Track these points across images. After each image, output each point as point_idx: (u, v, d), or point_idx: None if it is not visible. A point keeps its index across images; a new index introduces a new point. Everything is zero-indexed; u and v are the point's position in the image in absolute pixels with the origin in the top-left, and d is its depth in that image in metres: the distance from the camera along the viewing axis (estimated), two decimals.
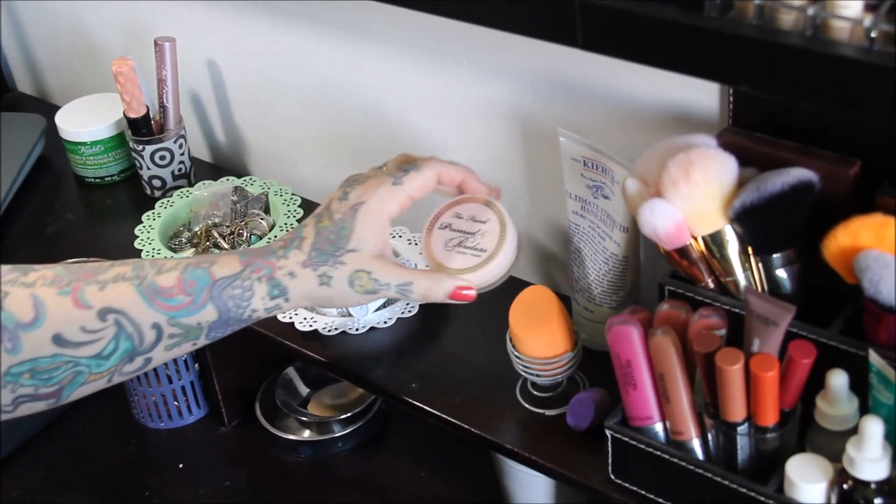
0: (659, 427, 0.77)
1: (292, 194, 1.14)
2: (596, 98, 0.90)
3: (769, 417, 0.71)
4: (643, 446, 0.76)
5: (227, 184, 1.17)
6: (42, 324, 0.73)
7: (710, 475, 0.73)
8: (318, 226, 0.81)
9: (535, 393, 0.90)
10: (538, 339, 0.85)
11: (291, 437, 1.15)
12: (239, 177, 1.19)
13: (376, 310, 0.99)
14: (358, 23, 1.03)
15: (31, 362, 0.73)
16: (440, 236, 0.84)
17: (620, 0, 0.66)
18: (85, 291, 0.75)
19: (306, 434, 1.16)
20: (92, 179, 1.23)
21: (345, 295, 0.80)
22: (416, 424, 1.15)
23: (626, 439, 0.77)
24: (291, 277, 0.80)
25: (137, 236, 1.11)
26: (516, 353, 0.87)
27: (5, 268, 0.74)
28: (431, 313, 0.99)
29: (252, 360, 1.18)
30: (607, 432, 0.79)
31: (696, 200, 0.74)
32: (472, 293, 0.81)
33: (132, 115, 1.15)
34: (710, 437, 0.75)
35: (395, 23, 1.00)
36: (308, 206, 1.13)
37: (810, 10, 0.59)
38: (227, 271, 0.79)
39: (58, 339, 0.73)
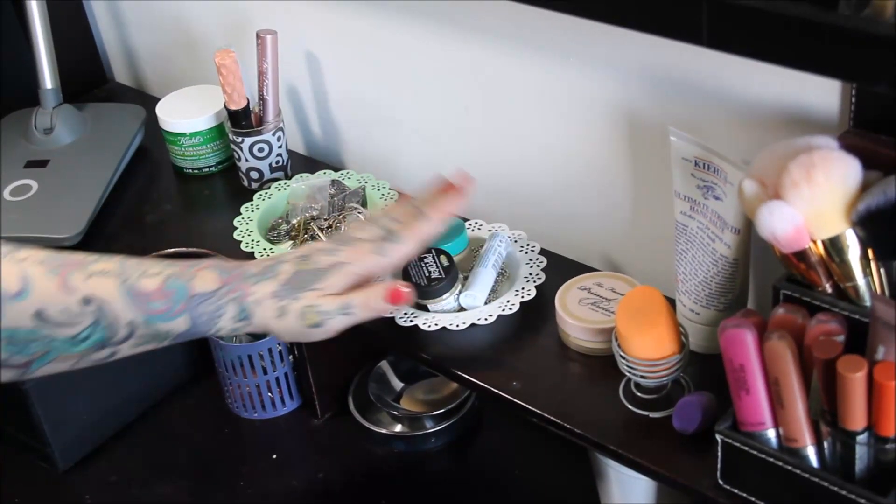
0: (771, 433, 0.76)
1: (389, 189, 1.14)
2: (707, 96, 0.88)
3: (891, 427, 0.69)
4: (755, 452, 0.75)
5: (324, 177, 1.17)
6: (27, 297, 0.78)
7: (826, 484, 0.72)
8: (299, 267, 0.87)
9: (639, 394, 0.89)
10: (645, 341, 0.84)
11: (383, 431, 1.15)
12: (335, 170, 1.19)
13: (485, 303, 0.98)
14: (460, 16, 1.03)
15: (9, 331, 0.78)
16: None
17: None
18: (72, 277, 0.80)
19: (398, 428, 1.16)
20: (190, 170, 1.24)
21: (293, 329, 0.86)
22: (509, 422, 1.14)
23: (737, 444, 0.76)
24: (257, 305, 0.85)
25: (236, 227, 1.12)
26: (622, 354, 0.86)
27: None
28: (532, 311, 0.98)
29: (346, 353, 1.18)
30: (717, 437, 0.77)
31: (818, 203, 0.73)
32: (408, 291, 0.88)
33: (232, 107, 1.16)
34: (825, 445, 0.73)
35: (499, 16, 0.99)
36: None
37: None
38: (205, 287, 0.84)
39: (39, 315, 0.78)
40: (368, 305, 0.87)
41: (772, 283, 0.79)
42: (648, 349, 0.84)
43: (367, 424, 1.16)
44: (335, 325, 0.87)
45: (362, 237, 0.90)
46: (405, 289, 0.88)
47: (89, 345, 0.81)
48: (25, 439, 1.15)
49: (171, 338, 0.85)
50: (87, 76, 1.44)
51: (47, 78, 1.24)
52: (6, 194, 1.19)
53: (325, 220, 1.12)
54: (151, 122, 1.28)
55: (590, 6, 0.73)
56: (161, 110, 1.24)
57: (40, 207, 1.17)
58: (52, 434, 1.13)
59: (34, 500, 1.16)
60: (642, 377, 0.86)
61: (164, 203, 1.22)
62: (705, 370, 0.89)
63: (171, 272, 0.84)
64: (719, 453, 0.78)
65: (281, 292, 0.85)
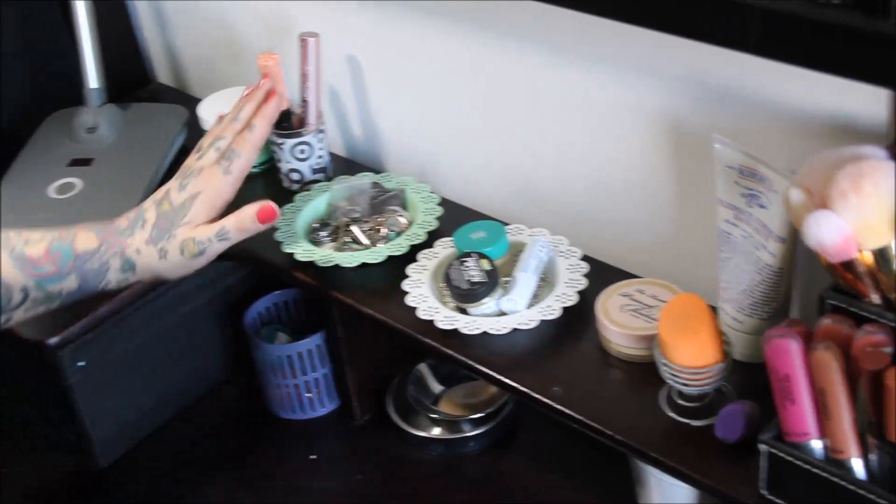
0: (816, 444, 0.75)
1: (430, 192, 1.14)
2: (752, 103, 0.88)
3: None
4: (800, 463, 0.75)
5: (364, 179, 1.17)
6: None
7: (873, 496, 0.71)
8: (159, 210, 0.97)
9: (680, 402, 0.88)
10: (688, 348, 0.84)
11: (422, 434, 1.16)
12: (375, 172, 1.19)
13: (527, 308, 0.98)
14: (503, 21, 1.03)
15: None
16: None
17: (796, 4, 0.64)
18: None
19: (436, 432, 1.16)
20: None
21: (178, 263, 0.96)
22: (547, 427, 1.14)
23: (781, 455, 0.76)
24: (138, 254, 0.95)
25: (277, 228, 1.13)
26: (664, 361, 0.86)
27: None
28: (573, 316, 0.98)
29: (385, 356, 1.18)
30: (761, 447, 0.77)
31: (866, 213, 0.72)
32: (273, 209, 0.98)
33: None
34: (872, 457, 0.73)
35: (543, 21, 0.99)
36: (446, 205, 1.13)
37: None
38: (87, 246, 0.92)
39: None
40: (242, 227, 0.97)
41: (816, 292, 0.79)
42: (691, 357, 0.84)
43: (405, 427, 1.16)
44: (214, 250, 0.97)
45: (203, 164, 0.99)
46: (272, 207, 0.97)
47: None
48: (66, 435, 1.16)
49: (62, 297, 0.92)
50: (130, 76, 1.45)
51: (92, 77, 1.26)
52: (51, 192, 1.20)
53: (366, 221, 1.12)
54: (193, 122, 1.29)
55: (638, 13, 0.73)
56: (203, 111, 1.25)
57: (84, 205, 1.18)
58: (92, 430, 1.14)
59: (74, 495, 1.17)
60: (684, 385, 0.86)
61: None
62: (747, 379, 0.89)
63: (52, 236, 0.91)
64: (763, 463, 0.77)
65: (154, 237, 0.95)
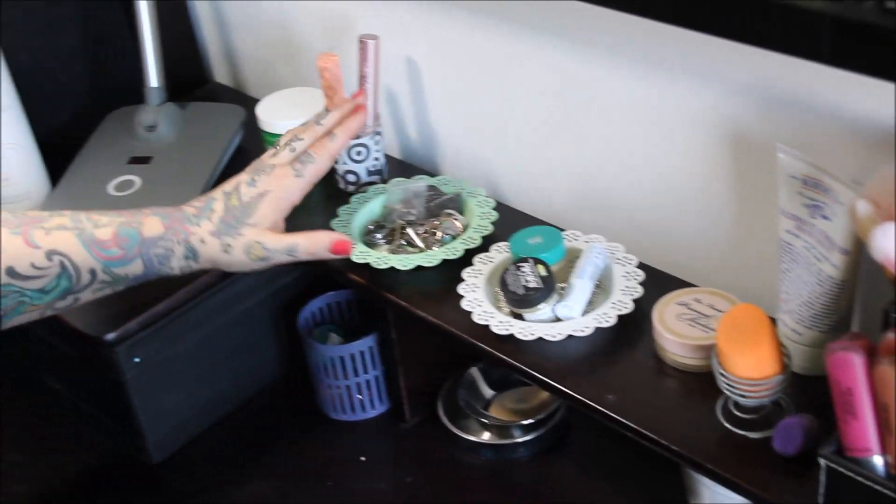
0: (878, 460, 0.74)
1: (486, 196, 1.14)
2: (817, 112, 0.87)
3: None
4: (861, 479, 0.74)
5: (420, 182, 1.17)
6: None
7: None
8: (228, 203, 0.98)
9: (737, 413, 0.88)
10: (747, 360, 0.83)
11: (472, 438, 1.15)
12: (430, 176, 1.19)
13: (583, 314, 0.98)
14: (563, 26, 1.03)
15: None
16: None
17: (868, 12, 0.64)
18: (33, 234, 0.89)
19: (486, 436, 1.16)
20: None
21: (241, 262, 0.98)
22: (598, 434, 1.13)
23: (842, 470, 0.75)
24: (202, 243, 0.97)
25: (333, 229, 1.13)
26: (722, 371, 0.85)
27: None
28: (628, 324, 0.97)
29: (437, 359, 1.18)
30: (821, 461, 0.76)
31: None
32: (349, 244, 1.01)
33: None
34: None
35: (603, 27, 0.98)
36: (502, 209, 1.12)
37: None
38: (153, 232, 0.95)
39: (10, 272, 0.87)
40: (313, 252, 0.99)
41: (879, 305, 0.78)
42: (750, 368, 0.83)
43: (455, 431, 1.16)
44: (278, 260, 0.99)
45: (276, 162, 1.00)
46: (346, 244, 1.01)
47: (56, 294, 0.90)
48: (121, 430, 1.18)
49: (128, 280, 0.94)
50: (189, 76, 1.47)
51: (153, 76, 1.27)
52: (110, 189, 1.21)
53: (421, 224, 1.12)
54: (250, 122, 1.30)
55: (707, 20, 0.72)
56: (261, 111, 1.25)
57: (143, 203, 1.17)
58: (146, 426, 1.15)
59: (127, 491, 1.19)
60: (742, 396, 0.85)
61: None
62: (805, 391, 0.88)
63: (120, 220, 0.94)
64: (822, 478, 0.76)
65: (219, 230, 0.97)
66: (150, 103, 1.28)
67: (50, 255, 0.89)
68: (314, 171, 1.00)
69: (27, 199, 1.22)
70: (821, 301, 0.85)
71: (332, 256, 1.01)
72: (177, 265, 0.97)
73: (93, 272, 0.91)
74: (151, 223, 0.95)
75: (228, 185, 1.00)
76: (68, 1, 1.33)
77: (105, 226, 0.93)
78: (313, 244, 1.00)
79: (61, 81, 1.35)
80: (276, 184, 0.98)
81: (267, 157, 1.02)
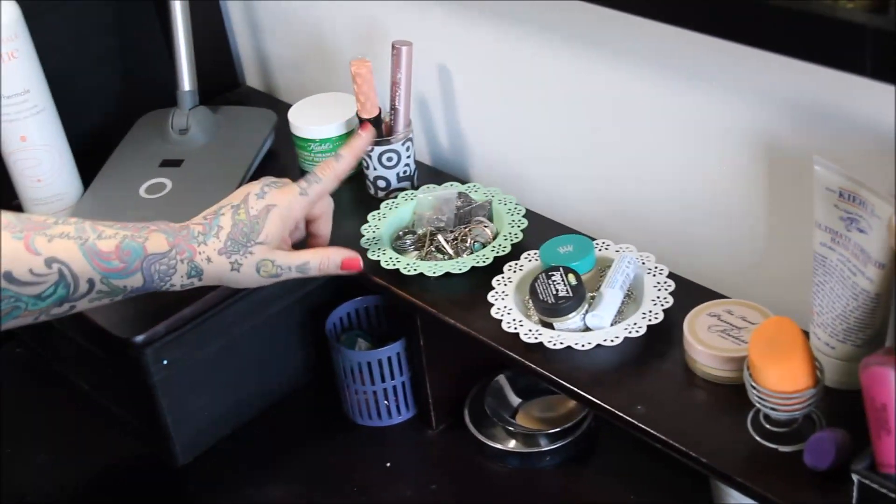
0: None
1: (516, 204, 1.14)
2: (855, 125, 0.86)
3: None
4: (895, 496, 0.73)
5: (451, 189, 1.17)
6: None
7: None
8: (235, 218, 0.98)
9: (768, 426, 0.87)
10: (779, 373, 0.83)
11: (498, 446, 1.15)
12: (460, 182, 1.19)
13: (611, 325, 0.98)
14: (597, 36, 1.02)
15: None
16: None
17: None
18: (35, 240, 0.88)
19: (512, 444, 1.16)
20: None
21: (251, 279, 0.98)
22: (625, 445, 1.13)
23: (875, 486, 0.74)
24: (208, 262, 0.96)
25: (363, 235, 1.13)
26: (753, 384, 0.84)
27: None
28: (658, 335, 0.97)
29: (464, 365, 1.18)
30: (854, 477, 0.75)
31: None
32: (359, 261, 1.03)
33: (365, 116, 1.17)
34: None
35: (634, 36, 0.98)
36: (532, 217, 1.12)
37: None
38: (158, 248, 0.94)
39: (8, 277, 0.86)
40: (323, 269, 1.01)
41: None
42: (782, 381, 0.83)
43: (481, 438, 1.16)
44: (290, 276, 1.00)
45: (285, 179, 1.02)
46: (356, 261, 1.02)
47: (52, 301, 0.89)
48: (147, 432, 1.18)
49: (126, 293, 0.94)
50: (221, 79, 1.47)
51: (186, 80, 1.27)
52: (142, 191, 1.22)
53: (451, 231, 1.12)
54: (281, 126, 1.30)
55: (747, 33, 0.72)
56: (293, 116, 1.25)
57: (173, 205, 1.19)
58: (173, 428, 1.15)
59: (151, 492, 1.19)
60: (773, 409, 0.84)
61: None
62: (837, 406, 0.87)
63: (125, 234, 0.93)
64: (855, 493, 0.76)
65: (227, 248, 0.97)
66: (183, 107, 1.28)
67: (50, 262, 0.88)
68: (318, 190, 1.02)
69: (60, 200, 1.23)
70: (855, 315, 0.85)
71: (343, 273, 1.02)
72: (178, 283, 0.96)
73: (91, 282, 0.91)
74: (156, 239, 0.95)
75: (237, 198, 1.00)
76: (102, 4, 1.34)
77: (109, 237, 0.92)
78: (324, 262, 1.01)
79: (94, 84, 1.36)
80: (281, 199, 0.99)
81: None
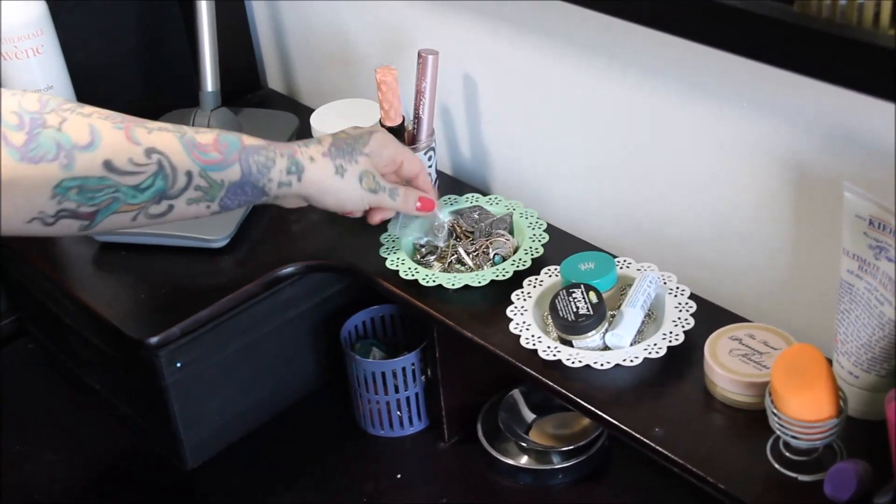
0: None
1: (538, 218, 1.13)
2: (888, 153, 0.85)
3: None
4: None
5: (472, 200, 1.16)
6: (96, 148, 0.85)
7: None
8: (335, 136, 0.98)
9: (788, 454, 0.86)
10: (801, 401, 0.81)
11: (510, 461, 1.14)
12: (481, 193, 1.18)
13: (631, 344, 0.96)
14: (620, 52, 1.02)
15: (81, 180, 0.84)
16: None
17: None
18: (135, 131, 0.87)
19: (524, 460, 1.14)
20: None
21: (351, 188, 0.97)
22: (639, 465, 1.12)
23: None
24: (311, 161, 0.95)
25: (382, 244, 1.12)
26: (775, 411, 0.83)
27: (60, 99, 0.87)
28: (678, 356, 0.96)
29: (479, 379, 1.17)
30: None
31: None
32: (433, 203, 1.04)
33: (388, 124, 1.16)
34: None
35: (662, 54, 0.97)
36: (553, 232, 1.11)
37: None
38: (256, 142, 0.93)
39: (108, 165, 0.85)
40: (406, 201, 1.02)
41: None
42: (805, 410, 0.81)
43: (493, 453, 1.14)
44: (381, 198, 1.00)
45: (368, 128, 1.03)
46: (433, 200, 1.04)
47: (150, 195, 0.88)
48: (158, 434, 1.17)
49: (225, 188, 0.91)
50: (243, 80, 1.46)
51: (209, 80, 1.26)
52: None
53: (472, 243, 1.11)
54: (303, 130, 1.29)
55: (779, 55, 0.71)
56: (316, 120, 1.25)
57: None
58: (184, 431, 1.14)
59: (160, 495, 1.18)
60: (794, 438, 0.83)
61: (311, 213, 1.22)
62: (859, 436, 0.86)
63: (221, 130, 0.93)
64: None
65: (332, 153, 0.96)
66: (205, 107, 1.27)
67: (149, 152, 0.87)
68: (378, 199, 1.01)
69: None
70: (881, 345, 0.84)
71: (418, 214, 1.04)
72: (276, 178, 0.94)
73: (189, 174, 0.89)
74: (253, 138, 0.94)
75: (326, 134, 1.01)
76: (128, 2, 1.33)
77: (206, 132, 0.92)
78: (407, 194, 1.02)
79: (118, 82, 1.35)
80: (381, 130, 1.02)
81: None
